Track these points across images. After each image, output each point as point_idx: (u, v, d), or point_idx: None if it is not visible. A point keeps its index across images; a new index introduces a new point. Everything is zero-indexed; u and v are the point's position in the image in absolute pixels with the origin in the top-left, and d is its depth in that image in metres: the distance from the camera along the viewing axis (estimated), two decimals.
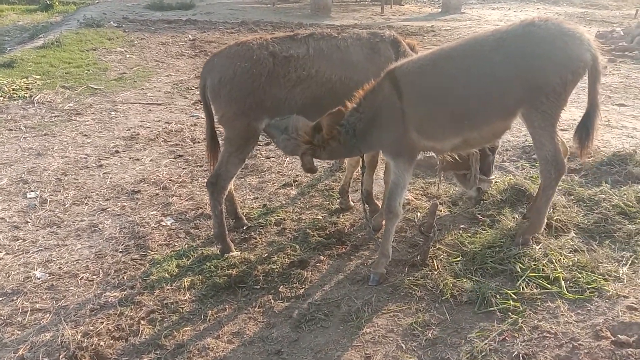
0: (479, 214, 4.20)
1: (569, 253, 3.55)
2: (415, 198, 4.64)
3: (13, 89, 8.31)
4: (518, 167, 5.20)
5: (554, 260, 3.42)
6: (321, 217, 4.46)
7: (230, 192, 4.28)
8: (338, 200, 4.62)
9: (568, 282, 3.24)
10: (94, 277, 3.81)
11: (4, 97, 7.99)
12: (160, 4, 19.51)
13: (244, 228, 4.35)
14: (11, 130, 6.76)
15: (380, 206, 4.27)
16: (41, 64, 9.97)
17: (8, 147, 6.22)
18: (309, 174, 3.77)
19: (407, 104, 3.41)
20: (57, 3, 20.89)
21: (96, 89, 8.78)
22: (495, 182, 4.47)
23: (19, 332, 3.23)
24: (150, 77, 9.80)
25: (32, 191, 5.15)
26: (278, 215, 4.51)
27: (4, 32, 15.94)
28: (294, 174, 5.39)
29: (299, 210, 4.64)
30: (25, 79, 8.87)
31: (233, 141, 3.77)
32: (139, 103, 8.25)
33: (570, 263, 3.41)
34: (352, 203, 4.62)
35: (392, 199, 3.52)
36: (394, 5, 21.91)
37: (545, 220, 3.73)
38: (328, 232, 4.14)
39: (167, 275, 3.72)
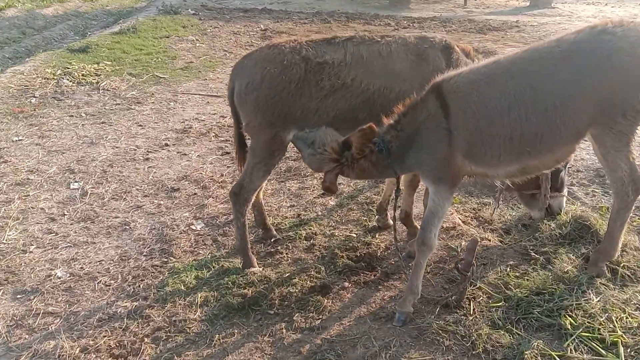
0: (532, 249, 3.65)
1: (635, 311, 2.96)
2: (463, 222, 4.15)
3: (82, 75, 8.56)
4: (588, 194, 4.53)
5: (614, 319, 2.85)
6: (354, 235, 4.09)
7: (258, 201, 4.03)
8: (376, 217, 4.23)
9: (629, 350, 2.68)
10: (112, 281, 3.70)
11: (73, 82, 8.24)
12: None
13: (272, 240, 4.08)
14: (72, 116, 6.92)
15: None
16: (114, 49, 10.24)
17: (65, 134, 6.36)
18: (327, 193, 3.43)
19: (455, 124, 2.97)
20: None
21: (161, 77, 8.87)
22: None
23: (27, 337, 3.16)
24: (215, 67, 9.78)
25: (76, 182, 5.19)
26: (310, 229, 4.20)
27: (92, 16, 16.72)
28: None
29: (333, 225, 4.31)
30: (96, 65, 9.13)
31: (258, 152, 3.49)
32: (199, 94, 8.22)
33: (635, 324, 2.82)
34: (390, 221, 4.20)
35: (426, 229, 3.09)
36: None
37: (619, 249, 3.19)
38: (358, 254, 3.77)
39: (182, 287, 3.54)
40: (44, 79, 8.27)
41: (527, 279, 3.32)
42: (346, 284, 3.50)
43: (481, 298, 3.22)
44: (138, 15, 14.53)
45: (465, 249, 3.29)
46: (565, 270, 3.31)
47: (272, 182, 5.20)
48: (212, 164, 5.69)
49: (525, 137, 2.93)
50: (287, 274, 3.60)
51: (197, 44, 11.35)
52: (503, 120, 2.92)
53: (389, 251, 3.86)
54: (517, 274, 3.42)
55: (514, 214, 4.20)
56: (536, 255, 3.55)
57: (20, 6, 17.36)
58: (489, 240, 3.85)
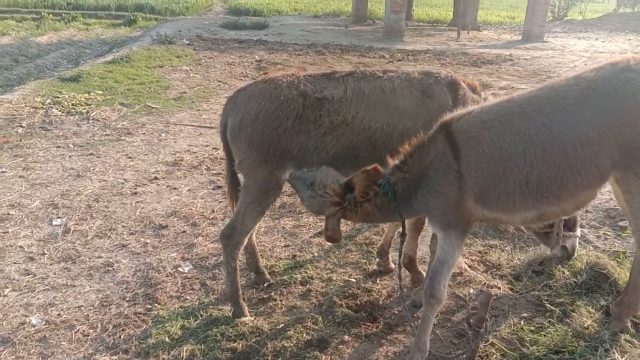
0: (546, 300, 3.40)
1: None
2: (469, 266, 3.90)
3: (72, 104, 8.35)
4: (600, 237, 4.31)
5: None
6: (354, 280, 3.83)
7: (251, 242, 3.77)
8: (376, 261, 3.98)
9: None
10: (91, 331, 3.39)
11: (62, 112, 8.02)
12: (235, 24, 19.81)
13: (265, 285, 3.81)
14: (59, 147, 6.67)
15: (425, 276, 3.59)
16: (106, 79, 10.08)
17: (51, 165, 6.10)
18: (329, 243, 3.20)
19: (466, 167, 2.75)
20: (139, 19, 21.78)
21: (153, 107, 8.68)
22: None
23: None
24: (209, 97, 9.63)
25: (59, 217, 4.91)
26: (306, 272, 3.93)
27: (86, 45, 16.66)
28: None
29: (330, 267, 4.04)
30: (87, 94, 8.93)
31: (251, 191, 3.25)
32: (192, 125, 8.03)
33: None
34: (392, 265, 3.96)
35: (435, 279, 2.84)
36: (472, 31, 20.98)
37: None
38: (359, 303, 3.50)
39: (167, 339, 3.24)
40: (33, 108, 8.05)
41: (544, 335, 3.06)
42: (346, 337, 3.22)
43: (495, 356, 2.95)
44: (132, 44, 14.46)
45: (477, 302, 3.03)
46: (585, 325, 3.06)
47: (265, 219, 4.95)
48: (203, 199, 5.44)
49: (543, 182, 2.72)
50: (282, 325, 3.32)
51: (191, 74, 11.23)
52: (519, 163, 2.71)
53: (392, 299, 3.60)
54: (532, 328, 3.16)
55: (523, 257, 3.96)
56: (552, 307, 3.30)
57: (14, 34, 17.31)
58: (499, 288, 3.60)
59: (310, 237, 4.56)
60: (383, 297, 3.61)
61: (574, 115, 2.68)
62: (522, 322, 3.22)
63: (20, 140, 6.78)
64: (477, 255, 4.09)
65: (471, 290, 3.56)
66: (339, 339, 3.20)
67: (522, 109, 2.78)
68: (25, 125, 7.34)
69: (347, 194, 2.86)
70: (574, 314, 3.19)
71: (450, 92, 3.26)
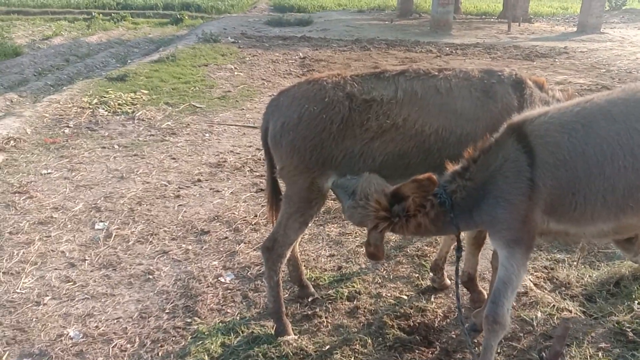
0: (629, 327, 3.00)
1: None
2: (535, 284, 3.53)
3: (119, 104, 8.38)
4: None
5: None
6: (406, 298, 3.54)
7: (294, 254, 3.54)
8: (430, 276, 3.67)
9: None
10: (128, 346, 3.25)
11: (108, 112, 8.05)
12: (279, 20, 19.72)
13: (309, 300, 3.57)
14: (104, 148, 6.66)
15: (485, 295, 3.25)
16: (152, 78, 10.11)
17: (96, 166, 6.07)
18: (371, 259, 2.91)
19: (542, 174, 2.45)
20: (186, 17, 22.01)
21: (197, 107, 8.61)
22: None
23: None
24: (253, 96, 9.50)
25: (101, 221, 4.84)
26: (353, 287, 3.67)
27: (135, 44, 16.93)
28: None
29: (379, 282, 3.76)
30: (132, 94, 8.96)
31: (293, 201, 3.01)
32: (235, 125, 7.90)
33: None
34: (448, 281, 3.63)
35: (498, 303, 2.53)
36: (523, 22, 20.11)
37: None
38: (412, 324, 3.21)
39: (206, 357, 3.05)
40: (80, 108, 8.12)
41: None
42: None
43: None
44: (178, 43, 14.55)
45: (552, 333, 2.68)
46: None
47: (309, 225, 4.71)
48: (245, 202, 5.27)
49: (630, 191, 2.42)
50: (327, 347, 3.07)
51: (236, 73, 11.14)
52: (605, 171, 2.41)
53: (449, 321, 3.28)
54: None
55: (595, 275, 3.56)
56: (635, 337, 2.90)
57: (66, 34, 17.81)
58: (570, 311, 3.22)
59: (356, 246, 4.29)
60: (439, 318, 3.30)
61: None
62: (600, 354, 2.84)
63: (67, 141, 6.82)
64: (542, 272, 3.71)
65: (539, 314, 3.20)
66: None
67: (606, 111, 2.47)
68: (72, 126, 7.39)
69: (393, 205, 2.57)
70: None
71: (515, 92, 2.90)
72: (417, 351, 3.01)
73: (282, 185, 3.27)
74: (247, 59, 12.53)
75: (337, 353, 2.98)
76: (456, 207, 2.58)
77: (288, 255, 3.21)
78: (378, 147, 2.81)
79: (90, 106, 8.20)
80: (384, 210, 2.55)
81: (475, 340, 2.98)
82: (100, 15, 21.55)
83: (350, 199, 2.66)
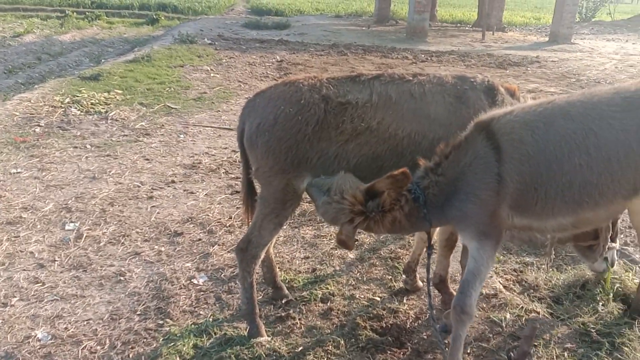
0: (593, 328, 3.09)
1: None
2: (505, 287, 3.61)
3: (91, 103, 8.24)
4: None
5: None
6: (378, 299, 3.57)
7: (268, 256, 3.54)
8: (403, 278, 3.71)
9: None
10: (98, 347, 3.20)
11: (81, 111, 7.92)
12: (256, 23, 19.69)
13: (283, 301, 3.57)
14: (76, 147, 6.54)
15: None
16: (126, 78, 9.98)
17: (67, 166, 5.96)
18: (341, 247, 2.92)
19: (509, 170, 2.56)
20: (162, 18, 21.80)
21: (172, 108, 8.53)
22: (619, 278, 3.35)
23: None
24: (229, 98, 9.46)
25: (72, 222, 4.75)
26: (327, 288, 3.69)
27: (109, 43, 16.69)
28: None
29: (353, 283, 3.79)
30: (106, 93, 8.83)
31: (268, 202, 3.02)
32: (211, 127, 7.85)
33: None
34: (420, 283, 3.69)
35: (465, 294, 2.62)
36: (497, 32, 20.54)
37: None
38: (384, 325, 3.24)
39: (178, 359, 3.02)
40: (52, 107, 7.96)
41: None
42: None
43: None
44: (154, 44, 14.40)
45: (520, 334, 2.74)
46: None
47: (284, 228, 4.72)
48: (220, 204, 5.24)
49: (585, 187, 2.58)
50: (300, 348, 3.08)
51: (212, 74, 11.08)
52: (563, 167, 2.55)
53: (420, 322, 3.33)
54: None
55: (562, 277, 3.66)
56: (599, 338, 2.99)
57: (38, 32, 17.44)
58: (538, 313, 3.30)
59: (331, 248, 4.31)
60: (411, 320, 3.34)
61: (619, 122, 2.57)
62: (565, 354, 2.92)
63: (37, 140, 6.68)
64: (512, 274, 3.80)
65: (508, 315, 3.27)
66: None
67: (566, 111, 2.64)
68: (43, 125, 7.24)
69: (368, 200, 2.61)
70: (625, 348, 2.88)
71: (487, 99, 2.98)
72: (389, 352, 3.04)
73: (258, 187, 3.28)
74: (224, 60, 12.49)
75: (309, 354, 2.99)
76: (429, 203, 2.64)
77: (262, 257, 3.21)
78: (352, 150, 2.85)
79: (62, 105, 8.04)
80: (359, 205, 2.59)
81: (446, 341, 3.02)
82: (74, 13, 21.20)
83: (325, 196, 2.68)
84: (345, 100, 2.85)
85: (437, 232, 3.31)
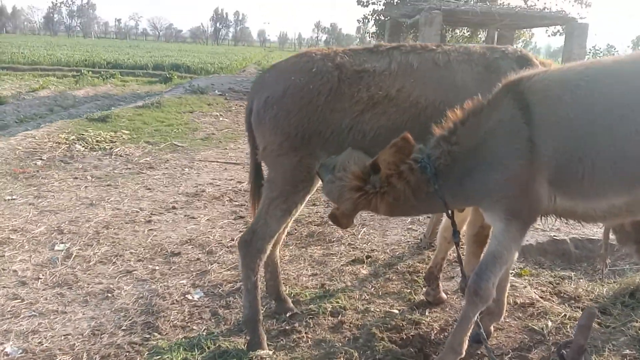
0: None
1: None
2: (541, 297, 3.16)
3: (97, 141, 8.10)
4: None
5: None
6: (397, 312, 3.12)
7: (273, 259, 3.15)
8: (424, 290, 3.28)
9: None
10: None
11: (85, 148, 7.74)
12: None
13: (288, 315, 3.13)
14: (76, 178, 6.29)
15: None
16: (134, 121, 9.92)
17: (65, 194, 5.68)
18: (333, 223, 2.48)
19: (542, 133, 2.18)
20: (175, 77, 22.29)
21: (179, 146, 8.36)
22: None
23: None
24: (237, 138, 9.31)
25: (62, 243, 4.40)
26: (337, 302, 3.25)
27: (121, 97, 16.94)
28: (369, 248, 4.14)
29: (367, 298, 3.35)
30: (112, 133, 8.71)
31: (276, 184, 2.68)
32: (217, 161, 7.62)
33: None
34: (444, 295, 3.24)
35: (481, 276, 2.26)
36: None
37: None
38: (405, 337, 2.79)
39: None
40: (56, 142, 7.81)
41: None
42: None
43: None
44: (164, 94, 14.54)
45: (576, 324, 2.30)
46: None
47: (290, 247, 4.33)
48: (222, 228, 4.88)
49: None
50: None
51: (221, 118, 11.03)
52: (613, 134, 2.13)
53: (447, 333, 2.86)
54: None
55: (606, 288, 3.20)
56: None
57: (53, 88, 17.81)
58: None
59: (342, 265, 3.90)
60: (435, 331, 2.88)
61: None
62: None
63: (37, 172, 6.45)
64: (548, 286, 3.34)
65: (549, 323, 2.81)
66: None
67: (614, 70, 2.25)
68: (45, 158, 7.05)
69: (371, 175, 2.27)
70: None
71: (520, 68, 2.67)
72: None
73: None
74: (234, 108, 12.50)
75: None
76: (441, 176, 2.27)
77: (268, 252, 2.81)
78: (369, 121, 2.53)
79: (67, 142, 7.89)
80: (361, 181, 2.25)
81: (480, 352, 2.56)
82: (90, 72, 21.79)
83: (330, 174, 2.36)
84: (362, 69, 2.58)
85: (464, 228, 2.91)
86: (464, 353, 2.41)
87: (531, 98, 2.20)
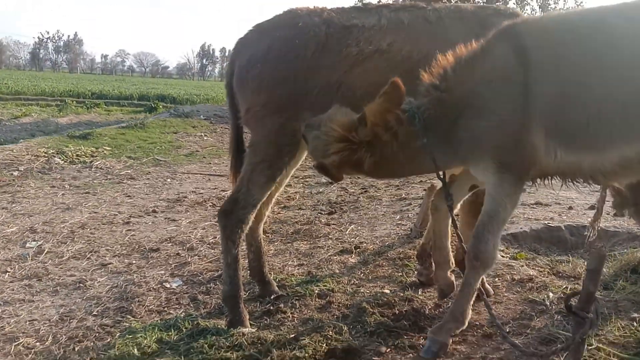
0: None
1: None
2: (539, 274, 3.01)
3: (77, 155, 7.89)
4: None
5: None
6: (389, 291, 2.94)
7: (257, 239, 2.97)
8: (416, 270, 3.11)
9: None
10: (37, 344, 2.54)
11: (65, 161, 7.53)
12: None
13: (272, 297, 2.93)
14: (53, 187, 6.07)
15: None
16: (117, 139, 9.74)
17: (40, 200, 5.45)
18: (320, 172, 2.27)
19: (538, 76, 2.03)
20: (160, 107, 22.20)
21: (162, 160, 8.18)
22: None
23: None
24: (222, 155, 9.15)
25: (34, 241, 4.17)
26: (325, 286, 3.06)
27: (105, 124, 16.73)
28: (358, 241, 3.97)
29: (356, 282, 3.17)
30: (94, 148, 8.52)
31: (260, 148, 2.54)
32: (201, 173, 7.45)
33: None
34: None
35: (480, 238, 2.11)
36: None
37: None
38: (397, 312, 2.60)
39: (135, 351, 2.36)
40: (34, 156, 7.59)
41: None
42: (383, 348, 2.30)
43: None
44: (149, 117, 14.43)
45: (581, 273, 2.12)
46: None
47: (276, 243, 4.15)
48: (204, 229, 4.67)
49: None
50: (293, 334, 2.42)
51: (205, 138, 10.91)
52: (623, 75, 1.98)
53: (443, 309, 2.68)
54: None
55: (607, 265, 3.05)
56: None
57: (36, 115, 17.59)
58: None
59: (329, 255, 3.72)
60: (429, 307, 2.70)
61: None
62: (635, 324, 2.29)
63: (14, 181, 6.22)
64: (545, 267, 3.18)
65: (551, 295, 2.65)
66: (373, 350, 2.28)
67: (621, 10, 2.09)
68: (22, 170, 6.81)
69: (358, 128, 2.14)
70: None
71: None
72: (405, 336, 2.38)
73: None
74: (218, 130, 12.39)
75: (304, 339, 2.32)
76: (430, 127, 2.12)
77: (250, 223, 2.63)
78: (359, 76, 2.41)
79: (46, 155, 7.69)
80: (347, 131, 2.11)
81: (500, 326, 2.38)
82: (74, 102, 21.62)
83: (315, 131, 2.22)
84: (350, 24, 2.47)
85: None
86: (467, 323, 2.23)
87: (528, 41, 2.08)
